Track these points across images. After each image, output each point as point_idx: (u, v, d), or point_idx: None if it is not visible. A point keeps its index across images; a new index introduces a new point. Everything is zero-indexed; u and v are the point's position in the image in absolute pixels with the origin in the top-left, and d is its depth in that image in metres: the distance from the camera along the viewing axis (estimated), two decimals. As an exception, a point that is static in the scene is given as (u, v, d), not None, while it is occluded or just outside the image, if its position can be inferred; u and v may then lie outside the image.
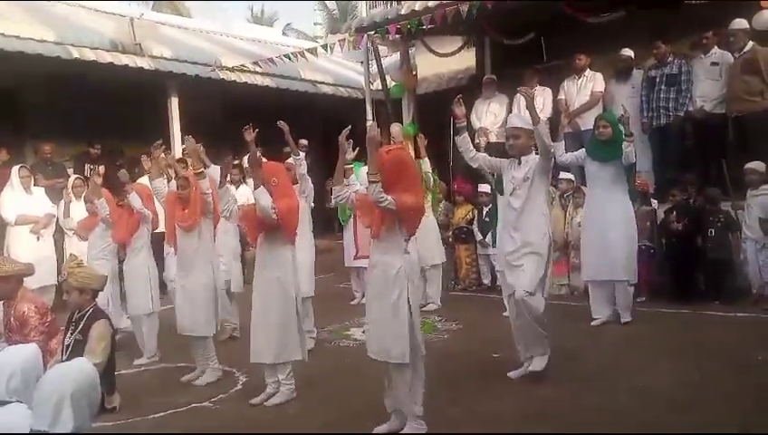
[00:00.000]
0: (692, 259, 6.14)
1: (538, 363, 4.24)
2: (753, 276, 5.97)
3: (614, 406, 3.74)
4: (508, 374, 4.36)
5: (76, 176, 7.52)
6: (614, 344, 5.02)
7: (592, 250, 5.61)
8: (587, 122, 7.63)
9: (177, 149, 9.32)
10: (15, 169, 7.02)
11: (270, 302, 4.07)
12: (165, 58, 9.50)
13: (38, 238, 6.92)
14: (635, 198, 5.76)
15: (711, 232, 6.07)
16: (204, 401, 4.24)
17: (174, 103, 9.57)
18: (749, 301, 5.89)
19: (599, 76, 7.77)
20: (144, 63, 9.05)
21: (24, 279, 4.43)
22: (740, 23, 6.75)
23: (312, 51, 10.05)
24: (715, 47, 7.04)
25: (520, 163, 4.36)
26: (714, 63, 7.00)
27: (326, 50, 10.01)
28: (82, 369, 2.57)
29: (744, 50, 6.74)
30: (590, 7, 7.56)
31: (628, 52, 7.56)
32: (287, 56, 9.86)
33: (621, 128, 5.34)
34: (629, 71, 7.59)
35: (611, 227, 5.46)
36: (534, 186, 4.27)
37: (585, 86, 7.80)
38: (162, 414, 4.01)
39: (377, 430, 3.52)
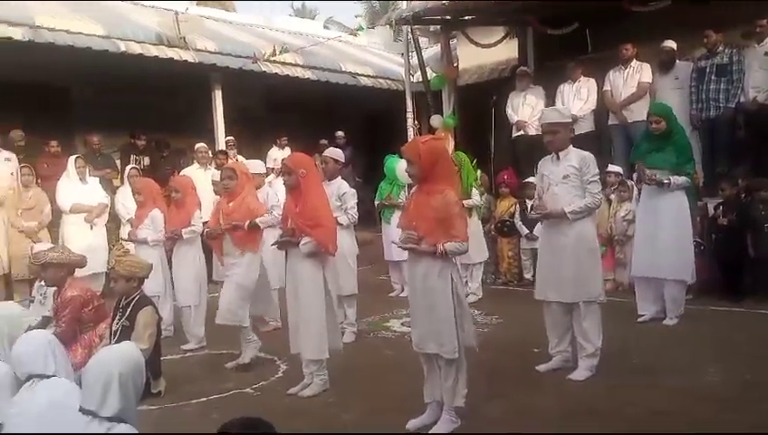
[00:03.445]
0: (741, 256, 5.93)
1: (580, 372, 4.17)
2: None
3: (659, 404, 3.65)
4: (536, 368, 4.32)
5: (132, 166, 7.71)
6: (660, 342, 4.89)
7: (644, 246, 5.43)
8: (635, 114, 7.47)
9: (221, 140, 9.49)
10: (72, 159, 7.26)
11: (302, 299, 4.06)
12: (209, 51, 9.66)
13: (91, 227, 7.13)
14: (693, 194, 5.55)
15: (766, 226, 5.86)
16: (246, 387, 4.31)
17: (217, 96, 9.74)
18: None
19: (646, 66, 7.57)
20: (188, 57, 9.23)
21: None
22: (797, 10, 6.49)
23: (353, 32, 10.10)
24: (770, 36, 6.78)
25: (559, 158, 4.24)
26: (768, 53, 6.75)
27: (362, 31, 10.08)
28: (129, 352, 2.63)
29: (801, 38, 6.47)
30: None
31: (670, 43, 7.34)
32: (324, 42, 9.91)
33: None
34: (672, 62, 7.37)
35: (664, 223, 5.27)
36: (575, 184, 4.15)
37: (632, 77, 7.61)
38: (205, 399, 4.10)
39: (410, 423, 3.52)
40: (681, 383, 3.93)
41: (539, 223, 7.01)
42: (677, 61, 7.38)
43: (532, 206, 4.37)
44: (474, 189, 6.54)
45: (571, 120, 4.38)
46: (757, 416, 3.39)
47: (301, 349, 4.11)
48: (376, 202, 7.33)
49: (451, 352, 3.37)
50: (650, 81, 7.53)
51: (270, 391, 4.24)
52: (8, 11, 7.93)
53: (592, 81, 7.99)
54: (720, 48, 7.02)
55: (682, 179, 5.22)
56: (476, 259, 6.58)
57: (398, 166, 6.78)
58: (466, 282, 6.47)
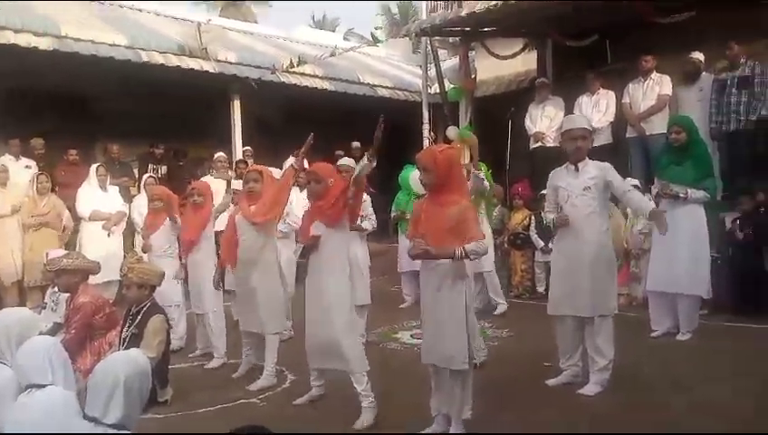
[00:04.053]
0: (757, 271, 5.82)
1: (591, 387, 4.09)
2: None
3: (669, 420, 3.59)
4: (546, 382, 4.27)
5: (149, 174, 7.82)
6: (672, 358, 4.81)
7: (659, 260, 5.37)
8: (653, 127, 7.39)
9: (238, 150, 9.57)
10: (94, 167, 7.39)
11: (333, 309, 3.87)
12: (229, 62, 9.77)
13: (109, 235, 7.22)
14: (711, 208, 5.46)
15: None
16: (252, 397, 4.32)
17: (236, 106, 9.85)
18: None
19: (666, 79, 7.49)
20: (209, 67, 9.34)
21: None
22: (820, 22, 6.37)
23: (372, 43, 10.17)
24: (794, 49, 6.68)
25: (577, 170, 4.17)
26: (791, 66, 6.64)
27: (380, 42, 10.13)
28: (135, 358, 2.64)
29: (825, 51, 6.36)
30: (658, 7, 7.29)
31: (698, 54, 7.25)
32: (341, 52, 9.95)
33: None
34: (698, 74, 7.28)
35: (681, 237, 5.19)
36: (595, 196, 4.08)
37: (652, 89, 7.53)
38: (211, 409, 4.10)
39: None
40: (692, 400, 3.87)
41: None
42: (703, 73, 7.30)
43: (554, 220, 4.25)
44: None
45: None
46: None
47: (342, 364, 3.88)
48: (393, 213, 7.29)
49: (460, 362, 3.33)
50: (670, 93, 7.44)
51: (276, 402, 4.24)
52: (35, 21, 8.11)
53: (611, 93, 7.93)
54: (742, 60, 6.92)
55: (700, 194, 5.17)
56: (488, 268, 6.48)
57: (412, 175, 6.77)
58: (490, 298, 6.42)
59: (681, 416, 3.65)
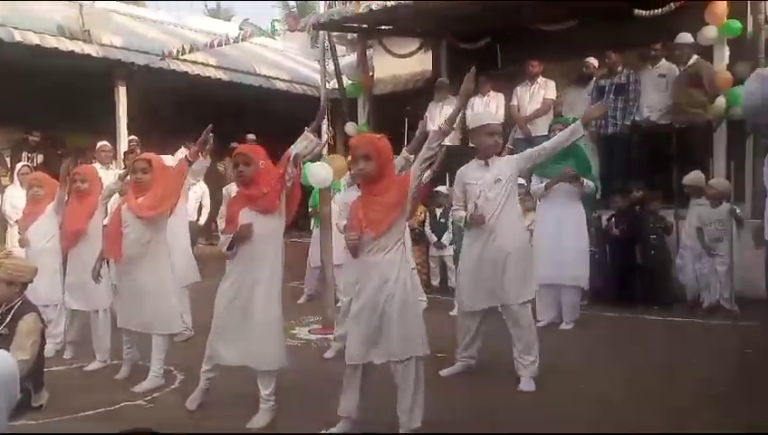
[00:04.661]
0: (631, 265, 6.31)
1: (529, 383, 4.09)
2: (689, 284, 6.18)
3: (551, 406, 3.77)
4: (439, 372, 4.34)
5: (23, 163, 7.20)
6: (555, 346, 5.02)
7: (543, 253, 5.63)
8: (539, 129, 7.78)
9: (123, 138, 9.09)
10: None
11: (259, 299, 3.62)
12: (114, 46, 9.26)
13: (-23, 228, 6.63)
14: (590, 205, 5.80)
15: (652, 238, 6.26)
16: (137, 399, 4.08)
17: (121, 93, 9.35)
18: (685, 307, 6.09)
19: (551, 83, 7.91)
20: (92, 50, 8.80)
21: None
22: (685, 37, 6.96)
23: (269, 35, 9.95)
24: (663, 59, 7.25)
25: (487, 164, 4.20)
26: (661, 75, 7.21)
27: (274, 29, 9.91)
28: (2, 359, 2.42)
29: (689, 63, 6.96)
30: (543, 15, 7.69)
31: (592, 60, 7.74)
32: (233, 42, 9.65)
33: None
34: (591, 78, 7.75)
35: (563, 231, 5.51)
36: (507, 186, 4.12)
37: (537, 93, 7.93)
38: (92, 413, 3.83)
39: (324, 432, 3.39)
40: (575, 387, 4.08)
41: (447, 232, 7.20)
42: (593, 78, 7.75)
43: (468, 216, 4.17)
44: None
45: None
46: (642, 417, 3.56)
47: (252, 360, 3.65)
48: (310, 208, 7.10)
49: (421, 348, 3.26)
50: (554, 97, 7.88)
51: (164, 403, 4.03)
52: None
53: (501, 95, 8.25)
54: (619, 68, 7.44)
55: (592, 184, 5.51)
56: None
57: (310, 169, 6.63)
58: None
59: (568, 403, 3.84)
